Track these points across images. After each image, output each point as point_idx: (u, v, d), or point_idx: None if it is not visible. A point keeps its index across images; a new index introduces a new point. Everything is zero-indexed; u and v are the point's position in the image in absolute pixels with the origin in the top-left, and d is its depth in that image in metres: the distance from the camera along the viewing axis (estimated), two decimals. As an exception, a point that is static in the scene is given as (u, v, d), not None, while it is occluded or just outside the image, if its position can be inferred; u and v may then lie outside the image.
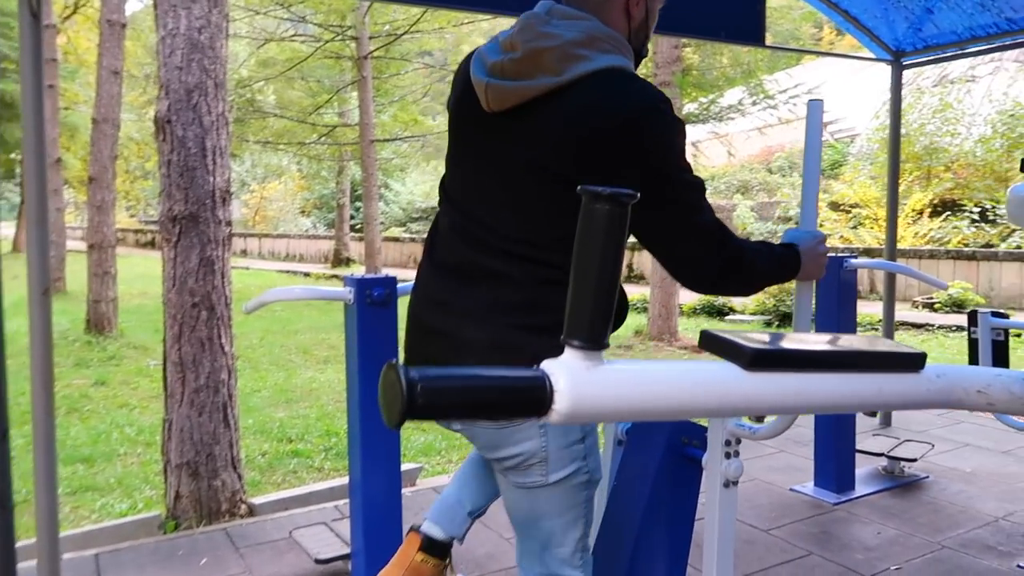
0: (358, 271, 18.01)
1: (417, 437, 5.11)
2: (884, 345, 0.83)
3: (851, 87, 20.15)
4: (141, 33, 18.60)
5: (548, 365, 0.67)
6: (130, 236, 31.31)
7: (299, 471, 4.63)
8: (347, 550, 2.67)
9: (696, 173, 1.45)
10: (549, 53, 1.35)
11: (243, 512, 3.58)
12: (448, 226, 1.54)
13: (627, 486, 1.75)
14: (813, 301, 1.58)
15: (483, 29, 19.42)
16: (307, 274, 19.02)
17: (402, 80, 18.72)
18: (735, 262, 1.44)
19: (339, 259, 20.47)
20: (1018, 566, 2.77)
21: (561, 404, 0.65)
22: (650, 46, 1.74)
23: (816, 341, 0.85)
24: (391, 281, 2.41)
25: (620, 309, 1.52)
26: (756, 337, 0.75)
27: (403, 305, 2.08)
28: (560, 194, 1.35)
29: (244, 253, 25.27)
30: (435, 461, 4.72)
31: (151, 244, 30.16)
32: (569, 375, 0.66)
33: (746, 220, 16.66)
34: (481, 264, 1.45)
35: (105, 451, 4.94)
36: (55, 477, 2.67)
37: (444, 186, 1.60)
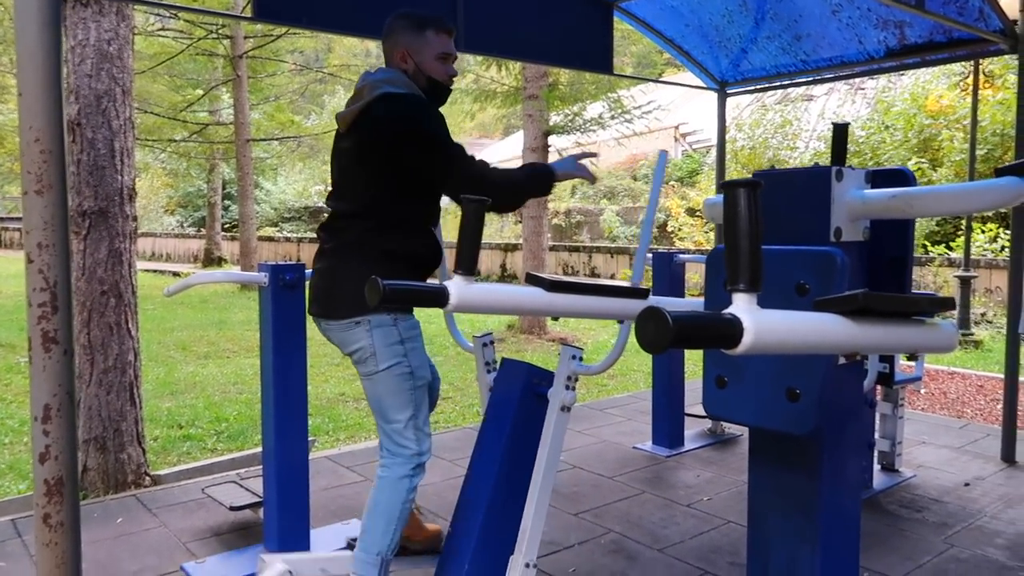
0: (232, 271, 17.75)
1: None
2: (629, 284, 1.45)
3: (702, 103, 21.81)
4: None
5: (448, 284, 1.24)
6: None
7: (193, 452, 4.92)
8: (258, 499, 3.09)
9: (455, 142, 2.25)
10: (366, 88, 2.28)
11: (148, 483, 3.90)
12: (327, 218, 2.43)
13: (495, 416, 2.32)
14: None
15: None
16: (176, 274, 18.54)
17: (276, 80, 18.63)
18: (480, 179, 2.19)
19: (210, 258, 20.03)
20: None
21: (452, 302, 1.24)
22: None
23: (590, 279, 1.44)
24: (301, 267, 2.88)
25: (434, 255, 2.34)
26: (557, 276, 1.34)
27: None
28: (369, 169, 2.23)
29: (104, 253, 24.09)
30: (323, 440, 5.15)
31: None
32: (456, 289, 1.25)
33: (612, 224, 17.81)
34: (338, 226, 2.33)
35: (-10, 442, 5.04)
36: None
37: (327, 199, 2.44)
